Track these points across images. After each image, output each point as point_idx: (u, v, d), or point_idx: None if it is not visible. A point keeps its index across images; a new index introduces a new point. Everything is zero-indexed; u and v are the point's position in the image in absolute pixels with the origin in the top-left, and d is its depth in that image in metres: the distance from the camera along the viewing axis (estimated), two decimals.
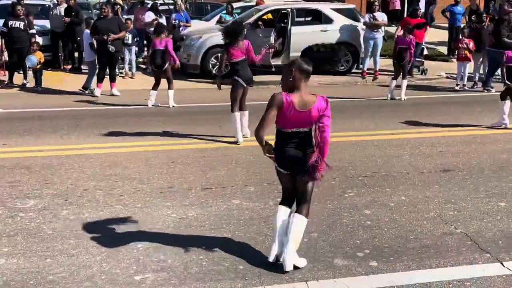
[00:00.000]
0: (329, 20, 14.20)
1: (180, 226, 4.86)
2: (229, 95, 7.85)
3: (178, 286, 3.83)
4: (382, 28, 14.10)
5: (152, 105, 10.26)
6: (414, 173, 6.51)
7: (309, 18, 14.80)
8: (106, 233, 4.71)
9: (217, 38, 13.44)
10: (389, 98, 11.52)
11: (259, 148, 7.36)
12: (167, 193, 5.72)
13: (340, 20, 14.26)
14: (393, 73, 11.96)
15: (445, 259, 4.32)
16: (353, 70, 14.61)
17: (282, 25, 14.43)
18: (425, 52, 15.65)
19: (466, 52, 13.10)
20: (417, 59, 14.23)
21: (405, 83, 11.57)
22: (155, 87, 10.30)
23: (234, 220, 5.01)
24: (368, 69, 14.07)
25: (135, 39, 14.01)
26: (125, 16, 15.26)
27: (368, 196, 5.69)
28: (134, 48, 13.97)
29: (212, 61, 13.52)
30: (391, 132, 8.56)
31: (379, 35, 13.88)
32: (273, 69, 13.09)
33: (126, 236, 4.64)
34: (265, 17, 14.47)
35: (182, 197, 5.60)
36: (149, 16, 14.43)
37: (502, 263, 4.26)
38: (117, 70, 13.07)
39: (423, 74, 14.72)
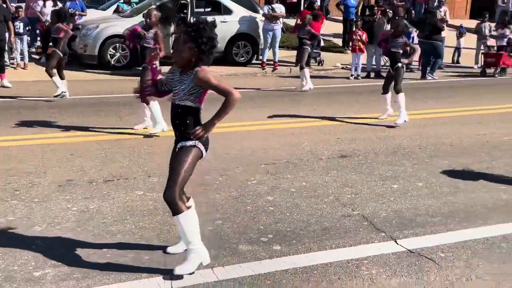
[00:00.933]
0: (228, 11, 14.29)
1: (81, 220, 4.71)
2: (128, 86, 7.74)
3: (81, 280, 3.72)
4: (281, 19, 14.40)
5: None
6: (314, 160, 6.74)
7: (208, 9, 14.81)
8: (1, 229, 4.46)
9: (115, 28, 13.13)
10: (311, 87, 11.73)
11: (160, 140, 7.35)
12: (67, 186, 5.51)
13: (240, 11, 14.40)
14: (294, 64, 12.29)
15: (344, 239, 4.52)
16: (253, 61, 14.82)
17: (182, 15, 14.30)
18: (322, 43, 16.19)
19: (360, 43, 13.72)
20: (314, 50, 14.70)
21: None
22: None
23: (138, 211, 4.93)
24: (267, 60, 14.32)
25: (27, 28, 13.30)
26: (14, 4, 14.44)
27: (271, 183, 5.82)
28: (26, 38, 13.27)
29: (110, 51, 13.14)
30: (290, 121, 8.79)
31: (278, 26, 14.17)
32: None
33: (24, 232, 4.42)
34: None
35: (82, 190, 5.43)
36: (39, 5, 13.78)
37: (395, 241, 4.52)
38: (7, 60, 12.37)
39: (320, 65, 15.22)
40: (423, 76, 14.30)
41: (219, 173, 6.00)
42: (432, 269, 4.06)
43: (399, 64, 8.71)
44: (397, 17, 16.96)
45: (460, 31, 17.11)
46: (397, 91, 8.79)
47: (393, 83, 8.80)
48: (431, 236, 4.64)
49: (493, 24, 17.06)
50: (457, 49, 17.21)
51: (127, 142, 7.23)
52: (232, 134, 7.62)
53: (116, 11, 15.47)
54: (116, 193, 5.35)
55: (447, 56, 16.81)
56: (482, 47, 16.54)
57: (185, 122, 3.74)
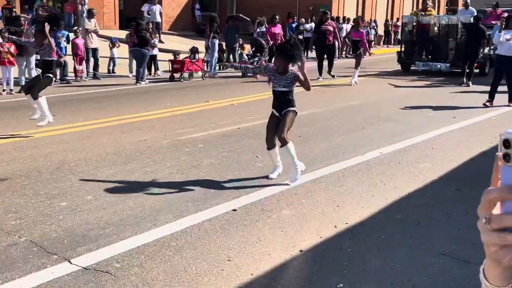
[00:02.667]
0: None
1: None
2: None
3: None
4: None
5: None
6: None
7: None
8: None
9: None
10: None
11: None
12: None
13: None
14: None
15: (12, 271, 4.12)
16: None
17: None
18: None
19: (9, 56, 12.83)
20: None
21: None
22: None
23: None
24: None
25: None
26: None
27: None
28: None
29: None
30: None
31: None
32: None
33: None
34: None
35: None
36: None
37: (70, 261, 4.33)
38: None
39: None
40: (138, 81, 15.61)
41: None
42: (109, 281, 4.02)
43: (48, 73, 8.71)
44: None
45: (112, 42, 17.57)
46: (34, 96, 8.64)
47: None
48: (105, 248, 4.60)
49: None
50: (112, 59, 17.61)
51: None
52: None
53: None
54: None
55: (103, 66, 17.07)
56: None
57: None
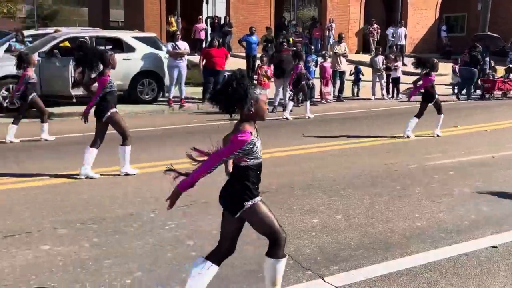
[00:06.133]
0: (131, 49, 13.96)
1: None
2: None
3: None
4: (185, 56, 14.27)
5: None
6: None
7: (109, 47, 14.37)
8: None
9: (8, 68, 12.28)
10: None
11: (64, 186, 6.85)
12: None
13: (143, 49, 14.12)
14: (201, 100, 12.14)
15: None
16: (159, 99, 14.53)
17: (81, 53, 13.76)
18: None
19: (265, 78, 13.86)
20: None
21: None
22: None
23: (45, 269, 4.47)
24: (174, 97, 14.10)
25: None
26: None
27: (190, 226, 5.55)
28: None
29: (3, 93, 12.34)
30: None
31: (183, 63, 14.02)
32: (74, 100, 12.35)
33: None
34: (62, 45, 13.71)
35: None
36: None
37: (323, 279, 4.41)
38: None
39: None
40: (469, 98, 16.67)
41: (133, 219, 5.64)
42: None
43: None
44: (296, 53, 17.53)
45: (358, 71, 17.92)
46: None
47: None
48: (356, 271, 4.58)
49: (383, 57, 17.90)
50: (356, 83, 17.73)
51: (27, 192, 6.66)
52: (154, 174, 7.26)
53: (9, 50, 14.64)
54: (18, 250, 4.84)
55: (347, 90, 17.40)
56: (377, 79, 17.27)
57: None
